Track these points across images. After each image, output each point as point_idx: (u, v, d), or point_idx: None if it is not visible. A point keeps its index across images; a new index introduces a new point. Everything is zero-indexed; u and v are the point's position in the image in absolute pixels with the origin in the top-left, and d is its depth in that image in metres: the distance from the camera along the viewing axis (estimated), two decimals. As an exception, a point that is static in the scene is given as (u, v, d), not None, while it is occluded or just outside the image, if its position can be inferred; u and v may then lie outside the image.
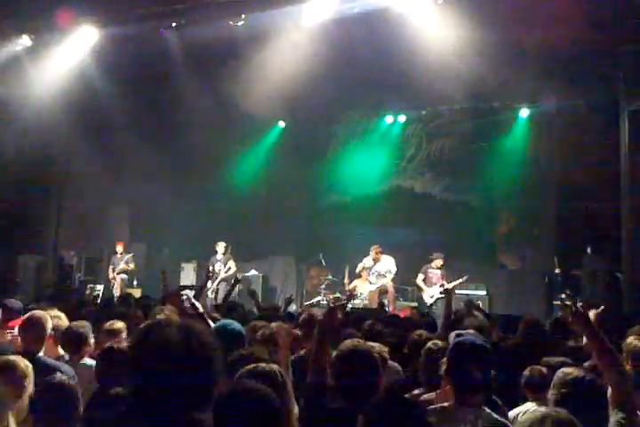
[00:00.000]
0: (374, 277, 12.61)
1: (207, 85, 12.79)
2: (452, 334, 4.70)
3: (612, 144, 11.76)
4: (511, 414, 3.63)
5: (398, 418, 2.74)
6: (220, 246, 13.43)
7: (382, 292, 12.56)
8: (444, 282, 11.67)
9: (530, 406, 3.68)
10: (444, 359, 3.34)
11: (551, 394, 3.11)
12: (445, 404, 3.16)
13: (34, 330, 4.54)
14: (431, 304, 12.12)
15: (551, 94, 13.00)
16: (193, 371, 1.86)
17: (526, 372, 4.02)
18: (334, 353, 3.29)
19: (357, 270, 12.78)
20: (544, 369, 4.00)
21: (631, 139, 11.45)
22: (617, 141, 11.69)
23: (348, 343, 3.34)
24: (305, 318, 5.67)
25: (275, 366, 3.06)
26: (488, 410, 3.07)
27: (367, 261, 12.72)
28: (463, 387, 3.10)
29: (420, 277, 12.54)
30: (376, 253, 12.64)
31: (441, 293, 11.60)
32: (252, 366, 3.02)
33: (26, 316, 4.76)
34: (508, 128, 13.99)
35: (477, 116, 14.18)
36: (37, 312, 4.75)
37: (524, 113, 13.85)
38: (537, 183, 13.37)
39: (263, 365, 3.04)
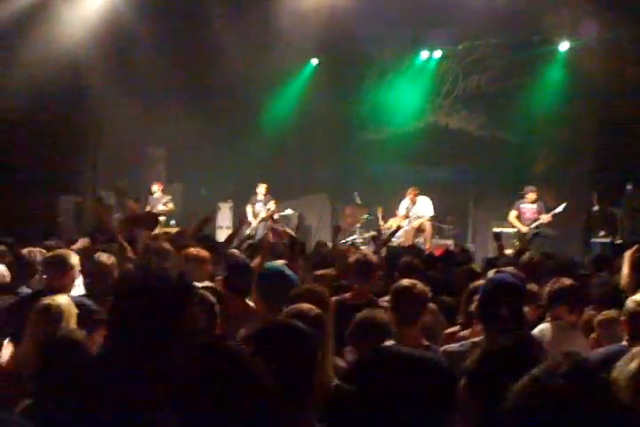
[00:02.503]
0: (412, 218, 12.57)
1: (239, 24, 12.61)
2: (491, 272, 4.72)
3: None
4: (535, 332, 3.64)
5: None
6: (261, 188, 13.59)
7: (419, 230, 12.57)
8: (547, 218, 11.44)
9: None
10: (476, 297, 3.36)
11: None
12: (476, 339, 3.20)
13: (57, 268, 4.56)
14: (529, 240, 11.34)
15: (591, 26, 12.53)
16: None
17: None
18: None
19: (398, 213, 12.73)
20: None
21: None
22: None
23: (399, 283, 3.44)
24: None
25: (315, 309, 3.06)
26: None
27: (404, 204, 12.67)
28: (491, 325, 3.10)
29: (513, 213, 11.91)
30: (413, 195, 12.57)
31: (537, 227, 11.50)
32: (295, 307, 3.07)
33: (49, 254, 4.86)
34: (547, 62, 13.60)
35: (515, 51, 13.77)
36: (60, 250, 4.87)
37: (564, 46, 13.41)
38: (577, 119, 13.06)
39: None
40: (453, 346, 3.22)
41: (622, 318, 3.45)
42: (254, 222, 13.36)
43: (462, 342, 3.20)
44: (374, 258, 4.90)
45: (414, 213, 12.56)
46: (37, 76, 11.75)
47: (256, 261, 5.33)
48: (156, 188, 13.98)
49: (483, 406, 1.82)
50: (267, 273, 4.09)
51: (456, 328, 4.34)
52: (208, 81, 14.33)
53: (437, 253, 9.19)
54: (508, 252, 8.48)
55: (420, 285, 3.72)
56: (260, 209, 13.40)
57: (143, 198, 14.22)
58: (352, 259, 4.98)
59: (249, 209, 13.73)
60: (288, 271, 4.00)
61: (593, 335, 3.98)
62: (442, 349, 3.22)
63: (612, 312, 3.99)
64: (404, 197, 12.83)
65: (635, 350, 2.34)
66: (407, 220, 12.61)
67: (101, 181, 14.51)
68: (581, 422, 1.29)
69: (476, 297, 3.46)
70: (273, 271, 4.09)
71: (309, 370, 2.16)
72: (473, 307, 3.24)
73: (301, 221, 14.31)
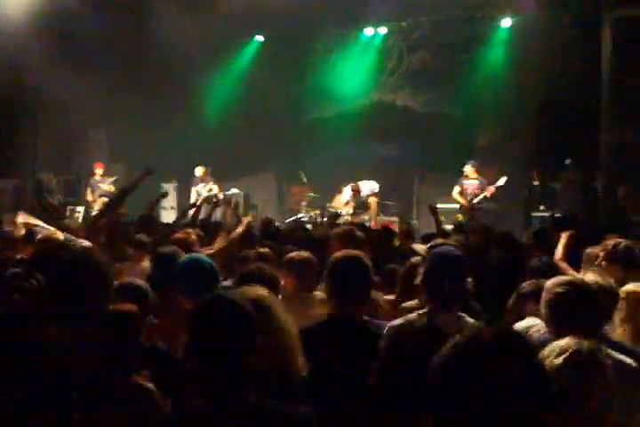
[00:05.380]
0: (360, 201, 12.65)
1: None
2: (419, 246, 4.82)
3: (593, 53, 11.61)
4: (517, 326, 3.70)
5: None
6: (199, 170, 13.42)
7: (365, 208, 12.65)
8: (489, 191, 11.52)
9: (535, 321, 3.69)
10: (420, 270, 3.40)
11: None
12: (422, 311, 3.23)
13: None
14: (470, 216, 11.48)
15: (533, 3, 12.70)
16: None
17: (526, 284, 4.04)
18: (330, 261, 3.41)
19: (339, 202, 12.79)
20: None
21: (613, 48, 11.28)
22: (599, 51, 11.53)
23: (339, 253, 3.45)
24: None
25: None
26: (465, 315, 3.15)
27: (347, 193, 12.69)
28: (438, 296, 3.15)
29: (456, 189, 12.00)
30: (353, 190, 12.61)
31: (479, 202, 11.60)
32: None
33: None
34: (490, 39, 13.75)
35: (459, 28, 13.84)
36: None
37: (506, 23, 13.56)
38: (519, 95, 13.25)
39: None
40: (398, 321, 3.26)
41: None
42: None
43: (407, 316, 3.24)
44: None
45: (362, 198, 12.62)
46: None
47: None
48: (99, 170, 13.73)
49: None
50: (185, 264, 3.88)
51: (392, 297, 4.46)
52: (149, 60, 14.04)
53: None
54: (449, 227, 8.62)
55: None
56: (202, 190, 13.24)
57: (84, 180, 13.94)
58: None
59: (193, 192, 13.56)
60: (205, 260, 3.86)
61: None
62: (389, 324, 3.25)
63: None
64: (349, 177, 12.88)
65: (564, 343, 2.39)
66: (350, 207, 12.68)
67: (42, 164, 14.14)
68: (506, 381, 1.33)
69: (420, 270, 3.50)
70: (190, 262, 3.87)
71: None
72: (418, 280, 3.27)
73: (247, 200, 14.27)
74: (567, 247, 5.16)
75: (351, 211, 12.61)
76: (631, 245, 4.44)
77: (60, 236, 4.67)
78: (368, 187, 12.67)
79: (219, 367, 2.08)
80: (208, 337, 2.10)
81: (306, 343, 2.68)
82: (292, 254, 4.34)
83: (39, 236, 4.72)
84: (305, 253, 4.34)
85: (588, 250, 4.76)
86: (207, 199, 12.91)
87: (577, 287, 2.90)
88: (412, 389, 1.67)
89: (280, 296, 4.19)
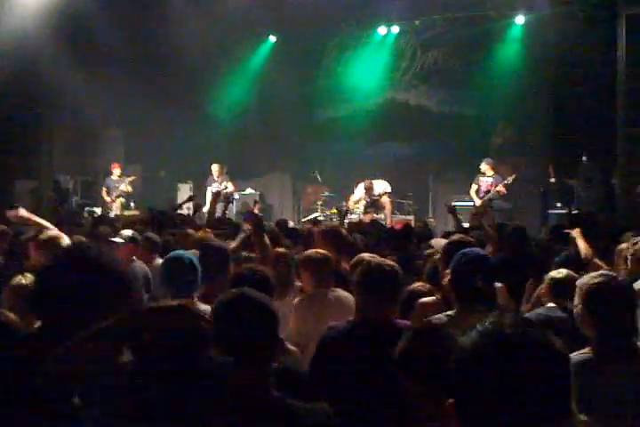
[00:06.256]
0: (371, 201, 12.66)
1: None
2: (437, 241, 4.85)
3: (608, 50, 11.57)
4: None
5: None
6: (215, 168, 13.36)
7: (379, 207, 12.66)
8: (498, 188, 11.51)
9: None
10: (448, 271, 3.41)
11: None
12: (450, 312, 3.25)
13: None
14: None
15: (546, 0, 12.67)
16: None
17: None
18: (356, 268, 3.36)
19: (352, 200, 12.78)
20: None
21: (628, 44, 11.25)
22: (614, 47, 11.49)
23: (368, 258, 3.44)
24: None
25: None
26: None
27: (359, 192, 12.68)
28: (468, 296, 3.17)
29: (473, 187, 12.02)
30: (366, 187, 12.59)
31: (490, 199, 11.58)
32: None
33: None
34: (504, 36, 13.71)
35: (472, 25, 13.82)
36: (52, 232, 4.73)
37: (520, 20, 13.53)
38: (533, 92, 13.23)
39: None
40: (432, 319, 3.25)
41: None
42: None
43: (438, 316, 3.24)
44: None
45: (372, 198, 12.62)
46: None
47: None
48: (116, 170, 13.76)
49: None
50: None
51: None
52: (164, 60, 14.10)
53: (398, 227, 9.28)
54: (467, 225, 8.61)
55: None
56: (217, 189, 13.15)
57: (101, 180, 14.02)
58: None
59: (208, 191, 13.49)
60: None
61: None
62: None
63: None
64: (363, 177, 12.88)
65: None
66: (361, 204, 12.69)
67: (58, 165, 14.24)
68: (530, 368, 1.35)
69: (444, 271, 3.52)
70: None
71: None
72: (445, 280, 3.30)
73: (262, 200, 14.31)
74: (586, 242, 5.18)
75: (362, 209, 12.63)
76: None
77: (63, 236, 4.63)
78: (381, 186, 12.68)
79: (244, 363, 2.11)
80: (234, 333, 2.13)
81: (335, 346, 2.71)
82: (309, 252, 4.36)
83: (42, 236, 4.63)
84: (321, 252, 4.34)
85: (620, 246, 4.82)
86: (221, 195, 12.95)
87: (615, 284, 2.87)
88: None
89: (295, 295, 4.27)
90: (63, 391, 1.94)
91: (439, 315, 3.24)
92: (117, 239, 5.12)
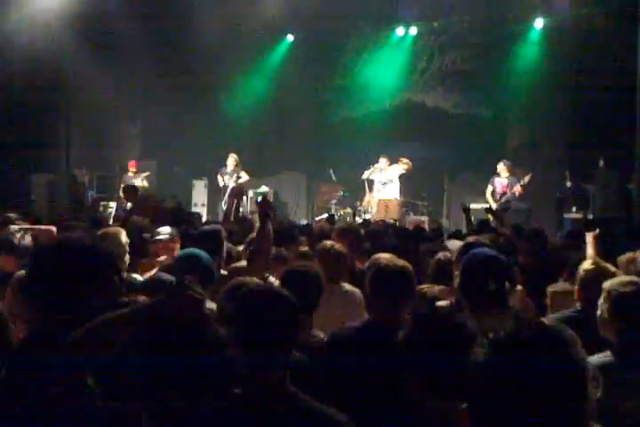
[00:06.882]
0: (379, 186, 12.62)
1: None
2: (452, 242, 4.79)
3: (628, 54, 11.46)
4: None
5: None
6: (230, 160, 13.28)
7: (387, 210, 12.60)
8: (515, 189, 11.38)
9: None
10: (457, 272, 3.35)
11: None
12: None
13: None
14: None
15: (566, 3, 12.59)
16: None
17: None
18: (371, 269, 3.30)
19: (364, 177, 12.77)
20: None
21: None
22: (633, 51, 11.38)
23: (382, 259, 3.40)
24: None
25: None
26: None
27: (372, 171, 12.67)
28: (479, 300, 3.07)
29: (489, 188, 11.79)
30: (386, 165, 12.60)
31: (507, 201, 11.52)
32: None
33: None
34: (522, 40, 13.65)
35: (490, 28, 13.78)
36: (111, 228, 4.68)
37: (539, 24, 13.46)
38: (550, 95, 13.15)
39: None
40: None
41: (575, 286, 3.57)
42: (225, 194, 13.05)
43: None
44: None
45: (379, 181, 12.58)
46: (7, 52, 11.50)
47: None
48: (132, 168, 13.84)
49: None
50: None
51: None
52: (183, 58, 14.15)
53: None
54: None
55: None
56: (228, 181, 13.10)
57: (118, 175, 14.07)
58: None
59: (219, 179, 13.35)
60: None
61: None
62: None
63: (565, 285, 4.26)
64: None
65: None
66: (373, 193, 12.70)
67: (74, 159, 14.31)
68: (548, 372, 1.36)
69: (457, 273, 3.46)
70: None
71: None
72: (455, 283, 3.24)
73: (277, 198, 14.33)
74: (596, 248, 5.12)
75: (375, 208, 12.62)
76: None
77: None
78: (391, 172, 12.66)
79: (264, 357, 2.08)
80: (255, 327, 2.10)
81: (347, 346, 2.69)
82: (325, 244, 4.35)
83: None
84: (337, 246, 4.31)
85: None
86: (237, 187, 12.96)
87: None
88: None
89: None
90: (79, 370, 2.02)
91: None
92: (162, 236, 5.08)
